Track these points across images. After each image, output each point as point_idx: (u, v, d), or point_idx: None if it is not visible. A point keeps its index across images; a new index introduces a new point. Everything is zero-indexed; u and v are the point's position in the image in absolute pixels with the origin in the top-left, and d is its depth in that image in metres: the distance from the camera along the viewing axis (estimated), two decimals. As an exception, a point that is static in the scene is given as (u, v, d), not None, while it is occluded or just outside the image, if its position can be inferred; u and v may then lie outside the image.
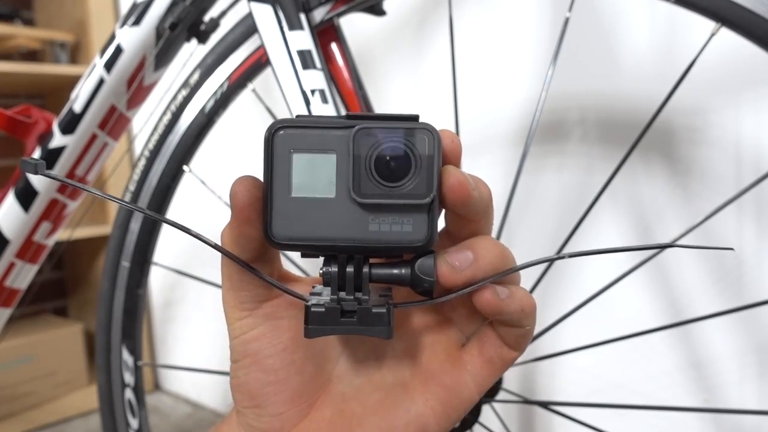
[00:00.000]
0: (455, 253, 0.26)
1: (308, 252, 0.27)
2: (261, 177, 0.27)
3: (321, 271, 0.27)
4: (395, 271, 0.27)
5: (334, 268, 0.26)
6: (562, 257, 0.25)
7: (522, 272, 0.27)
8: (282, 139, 0.25)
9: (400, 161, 0.25)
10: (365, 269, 0.26)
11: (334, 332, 0.26)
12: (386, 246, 0.25)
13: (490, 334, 0.29)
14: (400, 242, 0.25)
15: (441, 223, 0.29)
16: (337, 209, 0.25)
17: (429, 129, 0.25)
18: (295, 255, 0.30)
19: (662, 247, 0.22)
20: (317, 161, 0.25)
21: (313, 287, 0.29)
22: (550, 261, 0.26)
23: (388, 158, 0.25)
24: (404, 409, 0.29)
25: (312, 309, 0.25)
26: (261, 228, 0.26)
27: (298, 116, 0.27)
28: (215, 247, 0.27)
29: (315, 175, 0.25)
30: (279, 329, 0.29)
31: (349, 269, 0.26)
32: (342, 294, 0.26)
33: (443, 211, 0.28)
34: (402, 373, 0.30)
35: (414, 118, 0.26)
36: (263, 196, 0.26)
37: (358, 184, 0.25)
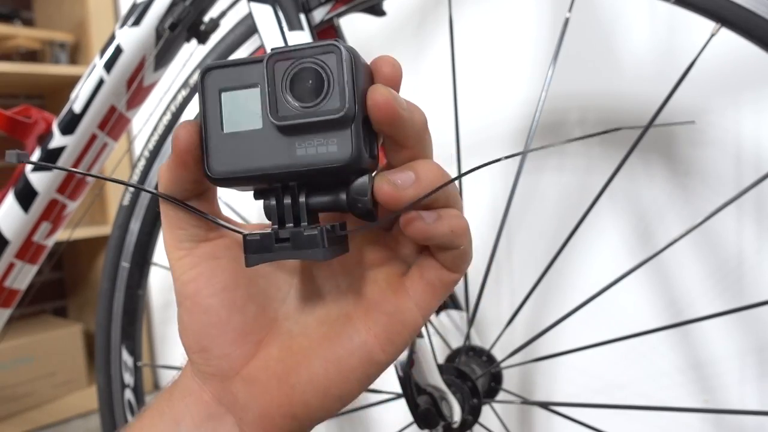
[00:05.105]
0: (396, 173, 0.27)
1: (244, 185, 0.27)
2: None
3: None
4: (330, 196, 0.27)
5: (272, 202, 0.27)
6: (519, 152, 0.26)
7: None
8: (211, 80, 0.27)
9: (314, 80, 0.25)
10: (302, 199, 0.27)
11: (270, 259, 0.27)
12: (316, 168, 0.26)
13: (429, 259, 0.30)
14: (328, 162, 0.25)
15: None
16: (265, 139, 0.26)
17: (337, 45, 0.25)
18: (238, 202, 0.30)
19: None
20: (243, 96, 0.26)
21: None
22: (499, 160, 0.26)
23: (301, 79, 0.25)
24: (348, 338, 0.29)
25: (248, 238, 0.27)
26: (197, 171, 0.27)
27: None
28: (152, 192, 0.28)
29: (243, 110, 0.26)
30: (217, 268, 0.30)
31: (288, 201, 0.27)
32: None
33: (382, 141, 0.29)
34: (345, 307, 0.30)
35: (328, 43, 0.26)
36: (200, 137, 0.27)
37: (275, 108, 0.25)
